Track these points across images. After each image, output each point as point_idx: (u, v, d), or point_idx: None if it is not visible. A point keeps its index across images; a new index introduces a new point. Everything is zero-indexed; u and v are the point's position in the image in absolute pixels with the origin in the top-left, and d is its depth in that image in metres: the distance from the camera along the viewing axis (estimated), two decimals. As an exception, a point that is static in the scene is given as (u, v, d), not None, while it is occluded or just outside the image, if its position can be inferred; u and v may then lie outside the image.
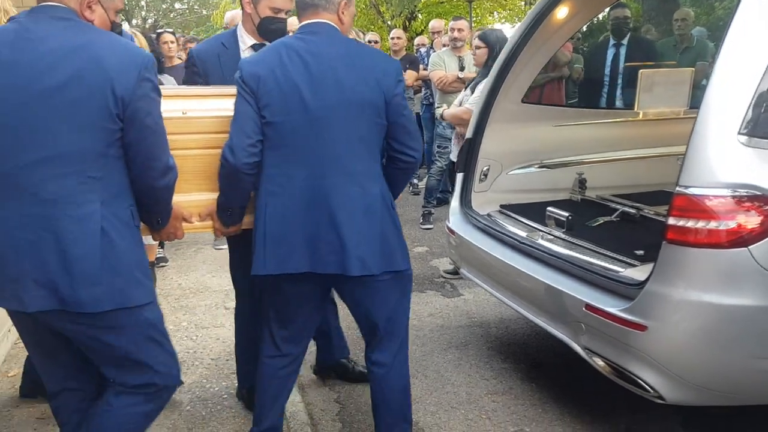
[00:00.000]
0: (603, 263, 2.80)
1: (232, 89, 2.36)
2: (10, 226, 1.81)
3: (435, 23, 8.57)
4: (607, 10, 5.63)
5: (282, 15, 2.70)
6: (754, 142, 2.19)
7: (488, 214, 3.62)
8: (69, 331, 1.96)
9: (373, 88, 2.28)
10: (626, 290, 2.46)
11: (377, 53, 2.55)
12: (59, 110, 1.78)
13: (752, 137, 2.18)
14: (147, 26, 27.50)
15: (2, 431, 2.90)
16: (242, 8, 2.75)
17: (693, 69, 4.40)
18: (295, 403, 3.10)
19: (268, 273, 2.31)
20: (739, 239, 2.15)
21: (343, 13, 2.37)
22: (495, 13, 21.09)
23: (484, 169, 3.71)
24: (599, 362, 2.56)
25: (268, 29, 2.69)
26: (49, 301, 1.82)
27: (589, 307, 2.53)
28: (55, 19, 1.83)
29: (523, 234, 3.26)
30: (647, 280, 2.34)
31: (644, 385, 2.36)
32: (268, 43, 2.64)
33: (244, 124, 2.25)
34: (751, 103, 2.18)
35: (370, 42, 7.69)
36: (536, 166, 3.96)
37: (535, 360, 3.61)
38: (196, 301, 4.57)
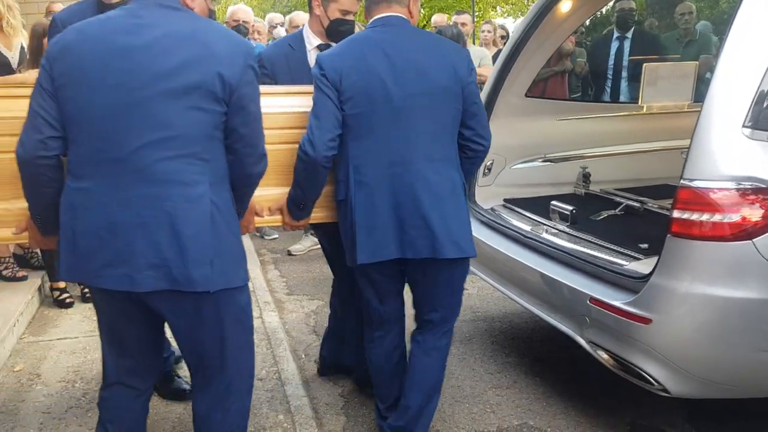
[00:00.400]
0: (607, 257, 2.80)
1: (300, 87, 2.42)
2: (122, 207, 1.83)
3: (437, 18, 8.53)
4: (612, 2, 5.62)
5: (350, 17, 2.77)
6: (758, 134, 2.18)
7: (492, 208, 3.62)
8: (172, 314, 1.98)
9: (451, 75, 2.34)
10: (631, 283, 2.46)
11: (448, 43, 2.60)
12: (173, 93, 1.82)
13: (756, 130, 2.18)
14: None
15: (8, 425, 2.92)
16: (310, 10, 2.83)
17: (697, 63, 4.39)
18: (299, 397, 3.11)
19: (362, 262, 2.36)
20: (743, 232, 2.15)
21: (412, 6, 2.43)
22: (498, 7, 21.04)
23: (488, 163, 3.71)
24: (604, 355, 2.56)
25: (337, 30, 2.76)
26: (161, 281, 1.84)
27: (593, 300, 2.53)
28: (163, 8, 1.89)
29: (527, 228, 3.26)
30: (651, 273, 2.34)
31: (649, 378, 2.36)
32: (333, 44, 2.69)
33: (324, 119, 2.29)
34: (755, 96, 2.18)
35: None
36: (540, 160, 3.96)
37: (539, 354, 3.61)
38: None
